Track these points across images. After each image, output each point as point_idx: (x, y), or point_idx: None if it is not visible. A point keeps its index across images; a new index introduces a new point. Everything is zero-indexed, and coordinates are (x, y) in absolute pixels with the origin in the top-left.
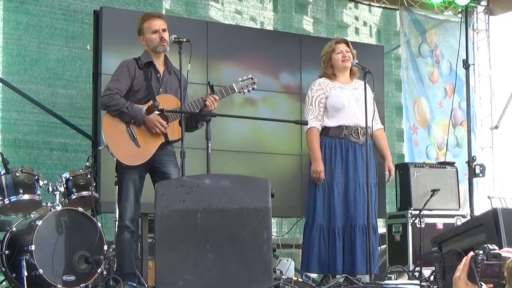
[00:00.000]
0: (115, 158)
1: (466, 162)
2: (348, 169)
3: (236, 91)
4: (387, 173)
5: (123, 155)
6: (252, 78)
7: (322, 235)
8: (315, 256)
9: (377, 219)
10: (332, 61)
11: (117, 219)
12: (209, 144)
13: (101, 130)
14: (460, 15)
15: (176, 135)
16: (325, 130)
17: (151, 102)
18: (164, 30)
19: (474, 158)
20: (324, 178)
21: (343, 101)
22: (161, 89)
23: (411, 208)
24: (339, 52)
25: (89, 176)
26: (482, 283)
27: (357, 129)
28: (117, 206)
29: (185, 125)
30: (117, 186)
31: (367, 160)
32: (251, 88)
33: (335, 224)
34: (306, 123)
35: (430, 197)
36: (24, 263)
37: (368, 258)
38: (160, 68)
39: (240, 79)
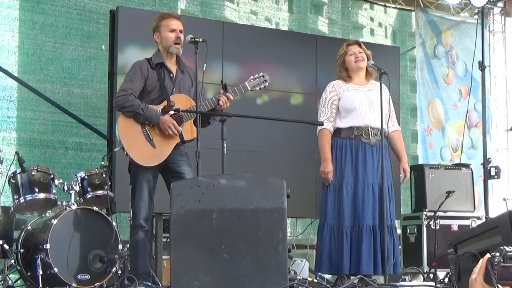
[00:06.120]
0: (128, 157)
1: (481, 164)
2: (358, 170)
3: (249, 89)
4: (401, 174)
5: (139, 156)
6: (263, 76)
7: (333, 235)
8: (326, 256)
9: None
10: (346, 63)
11: (131, 219)
12: (225, 144)
13: (116, 131)
14: (476, 16)
15: (191, 135)
16: (337, 132)
17: (166, 102)
18: (181, 31)
19: (489, 160)
20: (334, 178)
21: (355, 102)
22: (174, 89)
23: (426, 210)
24: (352, 53)
25: (104, 175)
26: (499, 286)
27: (368, 129)
28: (130, 206)
29: (200, 124)
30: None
31: (382, 161)
32: (262, 86)
33: (343, 224)
34: (321, 124)
35: (445, 198)
36: (39, 261)
37: (382, 259)
38: (173, 67)
39: (252, 77)
